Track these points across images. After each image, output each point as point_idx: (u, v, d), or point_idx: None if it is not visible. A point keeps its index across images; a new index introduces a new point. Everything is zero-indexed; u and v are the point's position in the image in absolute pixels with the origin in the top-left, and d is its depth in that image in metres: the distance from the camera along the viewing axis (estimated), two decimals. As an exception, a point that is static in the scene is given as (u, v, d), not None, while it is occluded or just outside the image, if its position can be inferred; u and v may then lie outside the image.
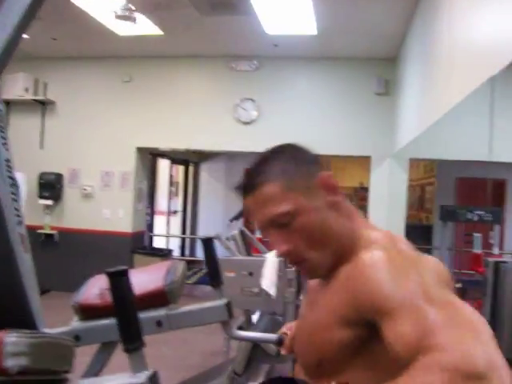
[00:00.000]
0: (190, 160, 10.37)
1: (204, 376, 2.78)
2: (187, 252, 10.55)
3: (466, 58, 3.43)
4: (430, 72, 4.55)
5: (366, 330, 0.93)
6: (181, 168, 10.63)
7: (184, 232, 10.45)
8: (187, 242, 10.62)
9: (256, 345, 2.65)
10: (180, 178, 10.77)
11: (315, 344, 1.02)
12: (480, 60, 3.07)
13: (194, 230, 10.59)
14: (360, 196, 14.44)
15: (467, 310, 0.81)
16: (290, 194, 1.02)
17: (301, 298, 3.71)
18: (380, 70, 6.98)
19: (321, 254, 1.03)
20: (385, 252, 0.95)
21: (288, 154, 1.09)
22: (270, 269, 4.13)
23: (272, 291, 4.09)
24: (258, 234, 6.12)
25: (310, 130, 6.96)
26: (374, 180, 7.09)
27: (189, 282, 8.48)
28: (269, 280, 4.09)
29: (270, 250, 4.50)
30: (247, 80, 7.26)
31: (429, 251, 8.60)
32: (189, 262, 9.59)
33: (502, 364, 0.71)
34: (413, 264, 0.93)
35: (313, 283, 1.20)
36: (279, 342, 1.37)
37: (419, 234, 8.98)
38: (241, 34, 6.38)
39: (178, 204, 10.64)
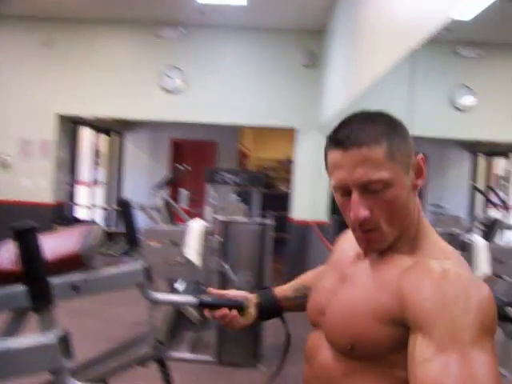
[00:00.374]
0: (114, 129, 10.10)
1: (126, 346, 2.72)
2: (112, 224, 10.34)
3: (388, 31, 3.49)
4: (355, 45, 4.60)
5: (403, 332, 0.92)
6: (105, 138, 10.34)
7: (109, 204, 10.23)
8: (112, 214, 10.40)
9: (179, 313, 2.63)
10: (104, 148, 10.48)
11: (350, 327, 0.99)
12: (402, 33, 3.13)
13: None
14: (285, 169, 14.61)
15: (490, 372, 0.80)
16: (391, 164, 0.97)
17: (225, 266, 3.72)
18: (307, 43, 7.02)
19: (391, 229, 1.00)
20: (468, 278, 0.90)
21: (389, 122, 1.02)
22: (194, 238, 4.11)
23: (195, 260, 4.08)
24: (183, 204, 6.08)
25: (237, 100, 6.94)
26: (299, 152, 7.16)
27: (114, 254, 8.33)
28: (192, 249, 4.07)
29: (193, 218, 4.47)
30: (174, 48, 7.11)
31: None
32: (113, 234, 9.45)
33: None
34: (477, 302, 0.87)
35: (342, 253, 1.17)
36: (200, 305, 1.34)
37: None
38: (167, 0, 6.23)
39: (101, 175, 10.37)
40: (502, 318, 2.91)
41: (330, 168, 1.02)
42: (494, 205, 6.26)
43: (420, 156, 1.02)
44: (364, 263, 1.08)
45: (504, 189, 9.21)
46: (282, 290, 1.48)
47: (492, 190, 6.14)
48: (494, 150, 9.87)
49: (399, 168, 0.98)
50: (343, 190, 1.00)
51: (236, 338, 4.23)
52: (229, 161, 9.91)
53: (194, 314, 2.63)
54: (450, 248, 1.02)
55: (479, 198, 10.21)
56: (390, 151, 0.97)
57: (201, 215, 5.47)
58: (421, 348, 0.85)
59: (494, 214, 6.08)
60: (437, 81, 6.39)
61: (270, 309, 1.44)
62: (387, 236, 1.01)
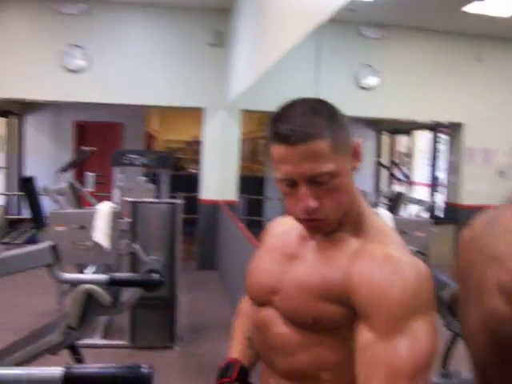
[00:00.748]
0: (12, 112, 9.59)
1: (36, 335, 2.63)
2: (14, 211, 9.86)
3: (294, 10, 3.53)
4: (262, 23, 4.62)
5: (350, 311, 1.00)
6: (2, 120, 9.80)
7: (9, 189, 9.73)
8: (14, 200, 9.91)
9: (90, 297, 2.55)
10: (2, 131, 9.94)
11: (309, 306, 1.05)
12: (307, 12, 3.17)
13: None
14: (193, 150, 14.53)
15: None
16: (336, 155, 1.01)
17: (136, 246, 3.65)
18: (214, 21, 6.94)
19: (336, 215, 1.06)
20: (408, 263, 0.98)
21: (330, 111, 1.05)
22: (102, 221, 4.00)
23: (105, 243, 3.99)
24: (90, 187, 5.90)
25: (143, 80, 6.76)
26: (207, 132, 7.12)
27: (16, 241, 7.99)
28: (101, 232, 3.97)
29: (101, 201, 4.35)
30: (75, 25, 6.79)
31: (262, 202, 8.94)
32: (16, 222, 9.02)
33: None
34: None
35: (283, 236, 1.22)
36: (111, 283, 1.30)
37: (252, 185, 9.26)
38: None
39: (0, 160, 9.84)
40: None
41: (275, 162, 1.04)
42: (398, 180, 6.56)
43: (358, 141, 1.08)
44: (311, 243, 1.13)
45: (406, 165, 9.67)
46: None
47: (396, 165, 6.43)
48: (396, 128, 10.32)
49: (342, 157, 1.03)
50: (289, 182, 1.03)
51: (150, 320, 4.18)
52: (136, 143, 9.69)
53: (105, 297, 2.56)
54: (388, 229, 1.11)
55: (384, 174, 10.66)
56: (334, 144, 1.01)
57: (108, 198, 5.34)
58: (362, 334, 0.96)
59: (398, 188, 6.38)
60: (343, 60, 6.58)
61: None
62: (332, 221, 1.07)
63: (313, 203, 1.01)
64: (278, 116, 1.05)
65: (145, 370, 1.00)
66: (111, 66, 6.77)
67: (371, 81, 6.75)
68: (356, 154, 1.08)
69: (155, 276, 1.24)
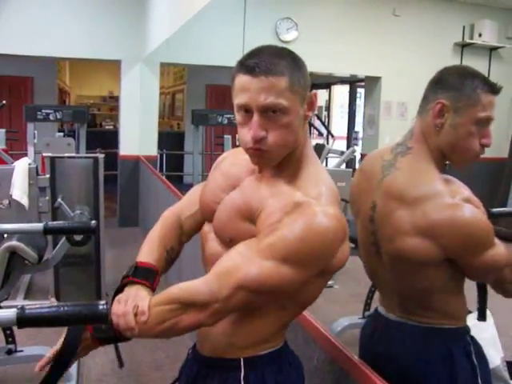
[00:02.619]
0: None
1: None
2: None
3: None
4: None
5: None
6: None
7: None
8: None
9: (14, 254, 2.46)
10: None
11: (229, 225, 1.20)
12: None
13: None
14: (110, 106, 14.09)
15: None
16: (291, 94, 1.12)
17: (60, 201, 3.52)
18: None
19: (279, 151, 1.15)
20: (331, 226, 1.09)
21: (293, 58, 1.16)
22: (21, 177, 3.82)
23: (24, 201, 3.82)
24: (1, 144, 5.61)
25: (54, 30, 6.36)
26: (125, 87, 6.89)
27: None
28: (19, 189, 3.79)
29: (16, 159, 4.15)
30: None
31: (182, 157, 8.86)
32: None
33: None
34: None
35: (235, 167, 1.31)
36: (47, 232, 1.26)
37: (172, 141, 9.15)
38: None
39: None
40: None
41: (236, 90, 1.14)
42: (320, 133, 6.67)
43: (314, 92, 1.19)
44: (252, 178, 1.24)
45: (325, 118, 9.84)
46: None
47: (318, 118, 6.53)
48: (315, 83, 10.36)
49: (296, 99, 1.13)
50: (245, 111, 1.13)
51: (74, 278, 4.09)
52: (47, 98, 9.18)
53: (30, 254, 2.47)
54: (325, 180, 1.19)
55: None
56: (291, 83, 1.12)
57: (23, 155, 5.10)
58: (243, 243, 1.13)
59: (319, 141, 6.50)
60: (264, 14, 6.52)
61: None
62: (274, 157, 1.16)
63: (260, 132, 1.11)
64: (247, 54, 1.16)
65: (102, 306, 0.99)
66: (18, 14, 6.32)
67: (290, 34, 6.76)
68: (311, 104, 1.19)
69: (91, 222, 1.20)
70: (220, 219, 1.25)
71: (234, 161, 1.35)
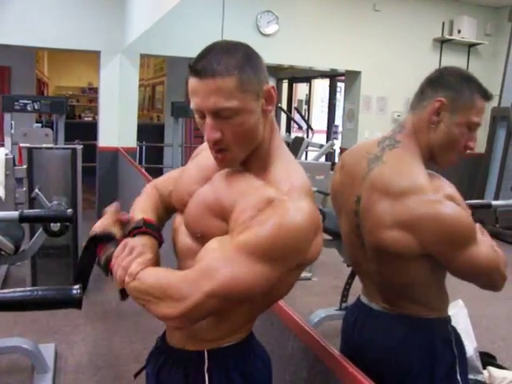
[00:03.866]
0: None
1: None
2: None
3: None
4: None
5: None
6: None
7: None
8: None
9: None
10: None
11: (200, 220, 1.18)
12: None
13: None
14: (89, 97, 13.96)
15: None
16: (241, 94, 1.09)
17: (37, 192, 3.50)
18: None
19: (241, 150, 1.15)
20: (293, 211, 1.06)
21: (245, 54, 1.13)
22: (-3, 168, 3.78)
23: (0, 192, 3.78)
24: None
25: (32, 19, 6.24)
26: (104, 78, 6.82)
27: None
28: (-4, 180, 3.75)
29: None
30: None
31: (161, 149, 8.81)
32: None
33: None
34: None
35: (210, 159, 1.24)
36: (23, 220, 1.26)
37: (151, 133, 9.10)
38: None
39: None
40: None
41: (189, 94, 1.13)
42: (299, 126, 6.70)
43: (271, 85, 1.15)
44: (222, 173, 1.22)
45: (305, 112, 9.87)
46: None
47: (298, 111, 6.56)
48: (295, 76, 10.45)
49: (249, 97, 1.11)
50: (200, 114, 1.13)
51: (51, 269, 4.07)
52: (25, 89, 9.04)
53: (7, 244, 2.45)
54: (296, 172, 1.17)
55: (283, 120, 10.79)
56: (240, 82, 1.09)
57: (0, 146, 5.04)
58: (216, 241, 1.10)
59: (298, 134, 6.52)
60: (244, 7, 6.51)
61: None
62: (237, 156, 1.16)
63: (215, 134, 1.11)
64: (199, 54, 1.13)
65: (75, 291, 0.99)
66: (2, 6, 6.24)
67: (271, 28, 6.76)
68: (269, 98, 1.15)
69: (68, 210, 1.20)
70: (191, 213, 1.23)
71: (209, 154, 1.30)
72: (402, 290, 1.52)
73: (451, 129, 1.44)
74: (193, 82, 1.11)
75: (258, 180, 1.14)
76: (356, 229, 1.56)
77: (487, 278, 1.47)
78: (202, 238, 1.16)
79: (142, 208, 1.35)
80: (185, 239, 1.25)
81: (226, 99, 1.08)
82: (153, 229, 1.24)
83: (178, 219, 1.32)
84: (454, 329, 1.57)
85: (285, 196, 1.08)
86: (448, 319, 1.58)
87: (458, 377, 1.51)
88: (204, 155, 1.32)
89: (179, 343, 1.28)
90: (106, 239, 1.21)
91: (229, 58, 1.09)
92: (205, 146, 1.37)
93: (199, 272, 1.06)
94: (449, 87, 1.45)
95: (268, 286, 1.07)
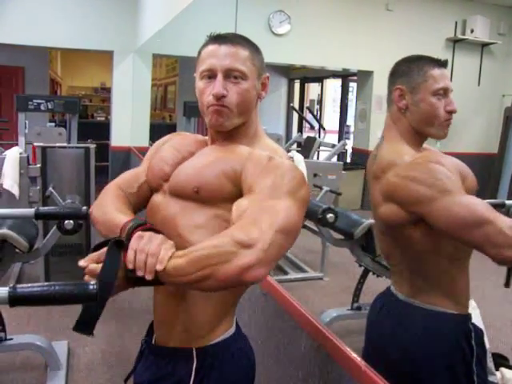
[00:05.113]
0: None
1: None
2: None
3: None
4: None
5: (237, 190, 1.21)
6: None
7: None
8: None
9: (5, 242, 2.46)
10: None
11: (197, 176, 1.24)
12: None
13: None
14: (101, 97, 14.03)
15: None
16: (251, 66, 1.27)
17: (51, 189, 3.52)
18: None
19: (237, 112, 1.26)
20: (289, 164, 1.22)
21: (256, 46, 1.32)
22: (11, 167, 3.82)
23: (15, 190, 3.82)
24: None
25: (46, 19, 6.33)
26: (117, 78, 6.88)
27: None
28: (10, 179, 3.79)
29: (7, 148, 4.14)
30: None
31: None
32: None
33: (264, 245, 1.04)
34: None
35: (184, 143, 1.40)
36: (38, 217, 1.26)
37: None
38: None
39: None
40: (323, 223, 3.18)
41: (202, 59, 1.27)
42: (311, 126, 6.69)
43: (267, 75, 1.34)
44: (210, 147, 1.34)
45: (317, 112, 9.84)
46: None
47: (310, 111, 6.56)
48: (308, 76, 10.43)
49: (255, 72, 1.28)
50: (210, 74, 1.25)
51: (65, 268, 4.09)
52: (39, 89, 9.12)
53: (21, 242, 2.48)
54: (279, 149, 1.32)
55: (295, 119, 10.76)
56: (252, 57, 1.28)
57: (14, 145, 5.08)
58: (242, 200, 1.16)
59: (310, 134, 6.51)
60: (257, 7, 6.52)
61: None
62: (234, 116, 1.27)
63: (223, 90, 1.23)
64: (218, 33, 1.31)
65: (92, 286, 1.00)
66: (10, 4, 6.30)
67: (283, 28, 6.76)
68: (264, 85, 1.34)
69: (82, 208, 1.21)
70: (186, 175, 1.28)
71: (182, 137, 1.46)
72: (422, 279, 1.57)
73: (419, 106, 1.56)
74: (211, 47, 1.27)
75: (250, 148, 1.27)
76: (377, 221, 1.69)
77: (481, 233, 1.36)
78: (197, 193, 1.23)
79: (117, 208, 1.31)
80: (170, 210, 1.28)
81: (240, 63, 1.25)
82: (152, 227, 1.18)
83: (157, 199, 1.35)
84: (475, 326, 1.58)
85: (277, 156, 1.23)
86: (469, 316, 1.58)
87: (475, 377, 1.52)
88: (177, 139, 1.44)
89: (170, 342, 1.30)
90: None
91: (246, 40, 1.30)
92: (172, 136, 1.49)
93: (254, 216, 1.08)
94: (401, 74, 1.60)
95: (302, 220, 1.16)
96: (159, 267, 1.03)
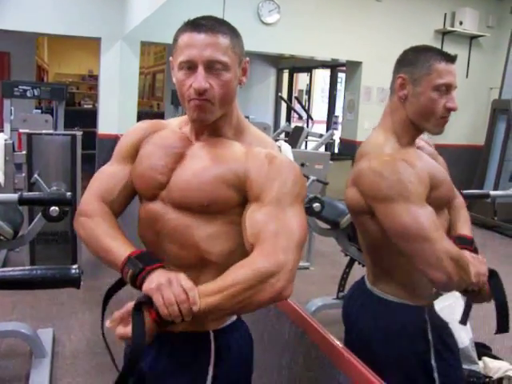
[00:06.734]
0: None
1: None
2: None
3: None
4: None
5: (243, 199, 1.21)
6: None
7: None
8: None
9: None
10: None
11: (206, 190, 1.21)
12: None
13: None
14: (89, 85, 13.92)
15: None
16: (232, 54, 1.21)
17: (36, 177, 3.49)
18: None
19: (220, 105, 1.22)
20: (287, 161, 1.25)
21: (234, 28, 1.25)
22: (-4, 153, 3.78)
23: (0, 178, 3.78)
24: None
25: (32, 4, 6.24)
26: (105, 65, 6.80)
27: None
28: (-5, 165, 3.75)
29: None
30: None
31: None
32: None
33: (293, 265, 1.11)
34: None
35: (166, 140, 1.32)
36: (22, 202, 1.25)
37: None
38: None
39: None
40: (309, 212, 3.19)
41: (180, 48, 1.20)
42: (299, 116, 6.68)
43: (247, 59, 1.28)
44: (198, 145, 1.29)
45: (305, 102, 9.83)
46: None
47: (298, 101, 6.55)
48: (296, 66, 10.41)
49: (235, 60, 1.23)
50: (190, 66, 1.19)
51: (50, 256, 4.07)
52: (25, 75, 8.97)
53: (5, 229, 2.46)
54: (264, 136, 1.34)
55: (283, 109, 10.74)
56: (232, 44, 1.21)
57: (-1, 131, 5.03)
58: (252, 208, 1.18)
59: (298, 124, 6.51)
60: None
61: None
62: (216, 109, 1.22)
63: (205, 83, 1.17)
64: (195, 18, 1.23)
65: (74, 270, 0.99)
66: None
67: (273, 17, 6.73)
68: (245, 70, 1.28)
69: (67, 193, 1.19)
70: (192, 188, 1.23)
71: (160, 135, 1.35)
72: (379, 269, 1.61)
73: (419, 98, 1.52)
74: (190, 35, 1.19)
75: (242, 146, 1.26)
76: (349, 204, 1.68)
77: (417, 248, 1.38)
78: (208, 207, 1.21)
79: (110, 235, 1.27)
80: (180, 221, 1.24)
81: (222, 54, 1.18)
82: (154, 260, 1.17)
83: (157, 206, 1.29)
84: (434, 319, 1.58)
85: (271, 151, 1.25)
86: (426, 308, 1.58)
87: (435, 375, 1.51)
88: (156, 140, 1.34)
89: (186, 327, 1.22)
90: (150, 301, 1.10)
91: (224, 24, 1.23)
92: (146, 131, 1.37)
93: (273, 239, 1.12)
94: (407, 63, 1.55)
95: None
96: (195, 309, 1.07)
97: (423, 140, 1.69)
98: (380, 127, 1.61)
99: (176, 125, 1.37)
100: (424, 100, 1.51)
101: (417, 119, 1.54)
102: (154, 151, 1.32)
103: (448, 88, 1.51)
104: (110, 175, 1.38)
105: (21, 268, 1.01)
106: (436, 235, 1.38)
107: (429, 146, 1.71)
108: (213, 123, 1.25)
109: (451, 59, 1.53)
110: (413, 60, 1.54)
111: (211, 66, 1.18)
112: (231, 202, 1.22)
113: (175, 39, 1.23)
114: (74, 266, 1.00)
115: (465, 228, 1.67)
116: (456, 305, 2.60)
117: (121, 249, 1.22)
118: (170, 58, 1.26)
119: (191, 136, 1.31)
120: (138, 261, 1.16)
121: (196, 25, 1.19)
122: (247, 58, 1.29)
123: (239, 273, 1.10)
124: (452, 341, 1.62)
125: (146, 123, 1.41)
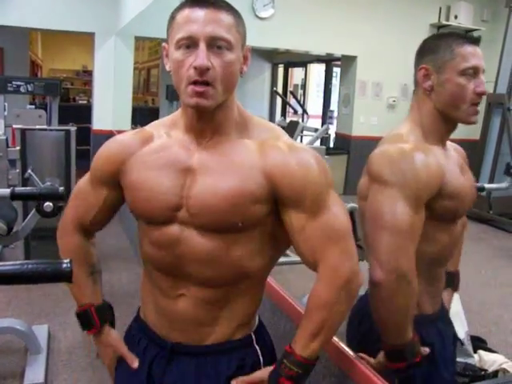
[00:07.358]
0: None
1: None
2: None
3: None
4: None
5: (273, 205, 1.16)
6: None
7: None
8: None
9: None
10: None
11: (236, 212, 1.12)
12: None
13: None
14: (83, 80, 13.87)
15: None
16: (236, 34, 1.10)
17: (30, 172, 3.48)
18: None
19: (222, 89, 1.09)
20: (307, 150, 1.19)
21: (235, 8, 1.15)
22: (-10, 149, 3.76)
23: (-6, 173, 3.76)
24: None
25: (26, 1, 6.22)
26: (99, 60, 6.78)
27: None
28: (-11, 161, 3.73)
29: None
30: None
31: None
32: None
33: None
34: None
35: (168, 154, 1.19)
36: (14, 197, 1.24)
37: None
38: None
39: None
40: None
41: (178, 25, 1.09)
42: (295, 110, 6.67)
43: (249, 46, 1.17)
44: (204, 154, 1.16)
45: (300, 97, 9.82)
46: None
47: (293, 95, 6.54)
48: (291, 61, 10.39)
49: (239, 41, 1.12)
50: (189, 43, 1.07)
51: (45, 252, 4.04)
52: (18, 70, 8.91)
53: (1, 225, 2.45)
54: (270, 124, 1.24)
55: (279, 104, 10.72)
56: (237, 23, 1.12)
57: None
58: (296, 218, 1.13)
59: (294, 119, 6.50)
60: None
61: None
62: (217, 94, 1.09)
63: (207, 62, 1.05)
64: None
65: (65, 264, 0.98)
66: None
67: (267, 11, 6.71)
68: (246, 58, 1.17)
69: (60, 188, 1.17)
70: (220, 209, 1.13)
71: (151, 147, 1.22)
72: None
73: (445, 86, 1.41)
74: (191, 11, 1.08)
75: (252, 142, 1.16)
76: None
77: (381, 241, 1.34)
78: (242, 227, 1.15)
79: (77, 282, 1.30)
80: (213, 244, 1.16)
81: (226, 31, 1.07)
82: (93, 322, 1.44)
83: (174, 230, 1.18)
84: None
85: (285, 139, 1.18)
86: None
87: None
88: (153, 155, 1.21)
89: (220, 338, 1.24)
90: None
91: (227, 3, 1.13)
92: (141, 141, 1.24)
93: (327, 254, 1.14)
94: (428, 52, 1.46)
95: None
96: None
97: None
98: (407, 119, 1.50)
99: (162, 130, 1.23)
100: (451, 87, 1.41)
101: (446, 109, 1.43)
102: (153, 170, 1.18)
103: (476, 71, 1.40)
104: (85, 198, 1.34)
105: (11, 262, 0.99)
106: (406, 243, 1.31)
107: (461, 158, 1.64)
108: (212, 119, 1.14)
109: (475, 41, 1.44)
110: (434, 48, 1.44)
111: (213, 44, 1.06)
112: (261, 215, 1.15)
113: (172, 17, 1.11)
114: (66, 261, 0.98)
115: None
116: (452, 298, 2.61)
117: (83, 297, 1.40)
118: (163, 44, 1.15)
119: (191, 143, 1.17)
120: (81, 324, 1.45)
121: (197, 0, 1.08)
122: (249, 46, 1.17)
123: (314, 314, 1.20)
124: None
125: (126, 139, 1.28)
